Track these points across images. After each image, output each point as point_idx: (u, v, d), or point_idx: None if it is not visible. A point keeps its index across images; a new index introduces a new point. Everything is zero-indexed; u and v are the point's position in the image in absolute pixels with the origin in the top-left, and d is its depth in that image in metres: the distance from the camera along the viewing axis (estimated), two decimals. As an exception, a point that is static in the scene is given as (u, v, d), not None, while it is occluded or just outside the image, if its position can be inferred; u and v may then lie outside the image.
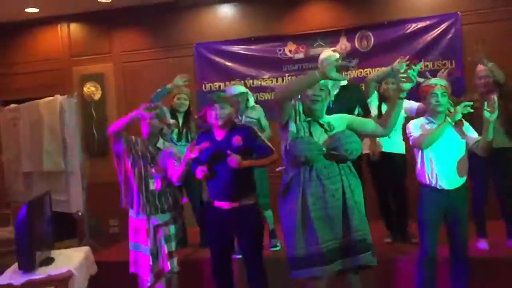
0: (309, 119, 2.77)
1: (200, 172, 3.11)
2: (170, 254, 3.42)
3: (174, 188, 3.51)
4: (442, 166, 3.19)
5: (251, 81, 5.89)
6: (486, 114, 3.07)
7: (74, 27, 6.41)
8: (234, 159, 3.00)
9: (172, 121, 3.72)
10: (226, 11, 6.05)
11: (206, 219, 3.33)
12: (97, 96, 6.33)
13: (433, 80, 3.33)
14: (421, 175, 3.27)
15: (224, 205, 3.15)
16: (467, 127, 3.28)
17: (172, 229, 3.43)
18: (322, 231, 2.63)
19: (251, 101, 4.26)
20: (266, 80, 5.86)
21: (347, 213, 2.66)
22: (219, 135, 3.19)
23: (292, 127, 2.73)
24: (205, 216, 3.38)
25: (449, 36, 5.37)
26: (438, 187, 3.20)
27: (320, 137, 2.73)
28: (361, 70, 5.60)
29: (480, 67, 4.10)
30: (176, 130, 4.60)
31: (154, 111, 3.36)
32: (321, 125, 2.76)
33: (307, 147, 2.64)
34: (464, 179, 3.25)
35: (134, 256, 3.53)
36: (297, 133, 2.71)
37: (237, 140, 3.10)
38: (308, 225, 2.64)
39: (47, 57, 6.44)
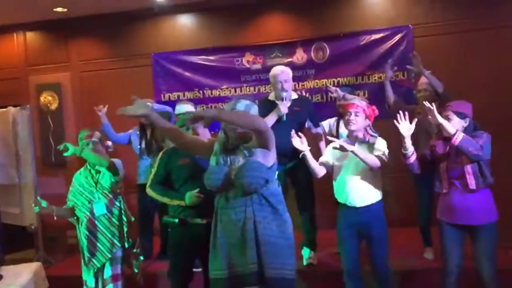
0: (232, 147, 2.76)
1: (194, 199, 3.07)
2: (115, 277, 3.41)
3: (121, 207, 3.51)
4: (352, 184, 3.25)
5: (209, 91, 5.91)
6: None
7: (30, 35, 6.32)
8: None
9: (109, 143, 3.85)
10: (184, 21, 6.05)
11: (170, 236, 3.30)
12: (54, 105, 6.25)
13: (353, 99, 3.43)
14: (335, 192, 3.36)
15: (200, 220, 3.14)
16: (381, 143, 3.30)
17: (119, 250, 3.42)
18: (224, 259, 2.67)
19: None
20: (224, 91, 5.89)
21: (257, 245, 2.64)
22: None
23: (212, 160, 2.77)
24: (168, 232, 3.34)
25: (402, 48, 5.49)
26: (349, 204, 3.27)
27: (239, 164, 2.71)
28: (317, 81, 5.68)
29: (421, 80, 4.24)
30: (144, 144, 4.62)
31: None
32: (242, 152, 2.74)
33: (208, 176, 2.68)
34: (377, 195, 3.29)
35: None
36: (215, 162, 2.73)
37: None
38: (216, 250, 2.70)
39: (3, 66, 6.34)
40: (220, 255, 2.68)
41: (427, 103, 3.14)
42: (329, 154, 3.40)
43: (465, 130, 3.10)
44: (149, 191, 3.22)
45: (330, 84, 5.50)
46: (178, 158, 3.17)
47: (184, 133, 2.94)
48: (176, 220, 3.14)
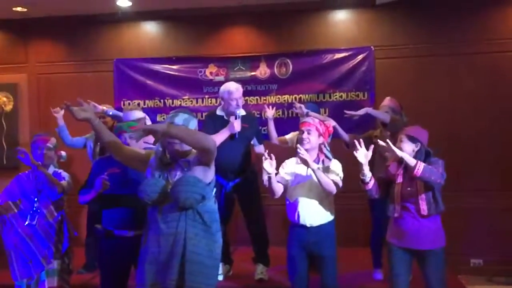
0: (170, 161, 2.72)
1: (100, 182, 3.01)
2: None
3: (62, 220, 3.41)
4: (303, 203, 3.26)
5: (170, 100, 5.85)
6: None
7: (-13, 34, 6.13)
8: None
9: (63, 153, 3.76)
10: (149, 29, 5.99)
11: (100, 248, 3.22)
12: (9, 107, 6.05)
13: (308, 118, 3.46)
14: (287, 211, 3.37)
15: (127, 233, 3.08)
16: (336, 165, 3.32)
17: (55, 263, 3.32)
18: (149, 273, 2.63)
19: None
20: (186, 101, 5.84)
21: (182, 261, 2.60)
22: None
23: (147, 172, 2.72)
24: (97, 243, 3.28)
25: (363, 68, 5.59)
26: (300, 223, 3.28)
27: (177, 178, 2.66)
28: (279, 96, 5.71)
29: (383, 102, 4.31)
30: (98, 149, 4.52)
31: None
32: (180, 166, 2.70)
33: (143, 188, 2.63)
34: (329, 216, 3.31)
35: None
36: (151, 175, 2.69)
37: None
38: (141, 266, 2.65)
39: (-43, 63, 6.11)
40: (146, 269, 2.63)
41: (381, 142, 3.20)
42: (285, 172, 3.40)
43: (416, 154, 3.16)
44: (78, 198, 3.17)
45: (292, 100, 5.54)
46: (107, 167, 3.12)
47: (123, 146, 2.88)
48: (104, 231, 3.08)
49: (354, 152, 3.12)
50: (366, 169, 3.14)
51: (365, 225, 4.52)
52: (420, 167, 3.02)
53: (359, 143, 3.13)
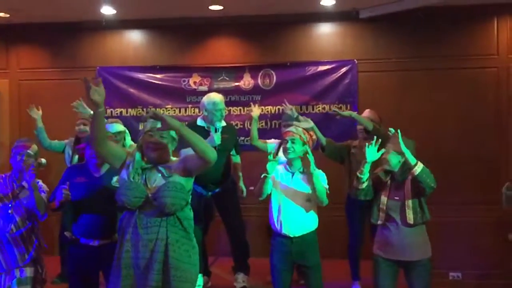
0: (148, 166, 2.68)
1: (61, 192, 3.01)
2: None
3: (32, 229, 3.34)
4: (286, 214, 3.26)
5: (153, 109, 5.81)
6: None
7: (-32, 39, 6.06)
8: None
9: (43, 160, 3.71)
10: (133, 37, 5.98)
11: (68, 256, 3.23)
12: (-11, 113, 5.98)
13: (291, 127, 3.44)
14: (271, 221, 3.36)
15: (92, 242, 3.07)
16: (320, 176, 3.31)
17: (28, 271, 3.25)
18: (126, 278, 2.58)
19: (128, 140, 4.15)
20: (169, 110, 5.81)
21: (164, 268, 2.58)
22: (97, 172, 3.16)
23: (123, 174, 2.68)
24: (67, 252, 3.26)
25: (346, 81, 5.64)
26: (283, 233, 3.27)
27: (157, 183, 2.64)
28: (263, 107, 5.71)
29: (362, 114, 4.36)
30: (76, 159, 4.47)
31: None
32: (160, 171, 2.67)
33: (124, 192, 2.58)
34: (313, 225, 3.32)
35: None
36: (128, 178, 2.64)
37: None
38: (117, 271, 2.61)
39: None
40: (122, 276, 2.57)
41: (391, 130, 3.18)
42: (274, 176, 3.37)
43: (403, 165, 3.18)
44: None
45: (275, 111, 5.57)
46: (76, 176, 3.13)
47: (109, 141, 2.80)
48: (70, 239, 3.08)
49: (366, 146, 3.14)
50: (367, 168, 3.15)
51: (343, 237, 4.52)
52: (419, 167, 3.05)
53: (376, 141, 3.14)
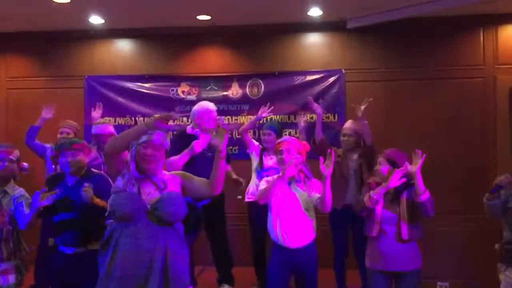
0: (141, 176, 2.68)
1: (36, 197, 3.01)
2: None
3: (19, 234, 3.31)
4: (286, 225, 3.26)
5: (141, 118, 5.80)
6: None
7: (-46, 47, 6.04)
8: (87, 194, 2.98)
9: (26, 165, 3.71)
10: (121, 46, 5.98)
11: (48, 263, 3.23)
12: (-24, 121, 5.95)
13: (284, 137, 3.52)
14: (270, 232, 3.35)
15: (68, 249, 3.08)
16: (318, 185, 3.31)
17: (11, 279, 3.22)
18: None
19: None
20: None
21: (164, 277, 2.58)
22: (71, 181, 3.17)
23: (119, 182, 2.68)
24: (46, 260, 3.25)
25: (334, 91, 5.66)
26: (283, 245, 3.26)
27: (150, 195, 2.65)
28: (251, 116, 5.70)
29: (346, 124, 4.35)
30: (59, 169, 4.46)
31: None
32: (153, 183, 2.68)
33: (124, 203, 2.58)
34: (311, 235, 3.32)
35: None
36: (124, 188, 2.64)
37: (87, 187, 3.02)
38: (107, 283, 2.57)
39: None
40: (116, 286, 2.54)
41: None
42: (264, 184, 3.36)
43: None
44: None
45: (263, 121, 5.55)
46: (51, 187, 3.13)
47: None
48: (51, 244, 3.10)
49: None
50: (383, 190, 3.19)
51: (328, 246, 4.50)
52: (426, 194, 3.16)
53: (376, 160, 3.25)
